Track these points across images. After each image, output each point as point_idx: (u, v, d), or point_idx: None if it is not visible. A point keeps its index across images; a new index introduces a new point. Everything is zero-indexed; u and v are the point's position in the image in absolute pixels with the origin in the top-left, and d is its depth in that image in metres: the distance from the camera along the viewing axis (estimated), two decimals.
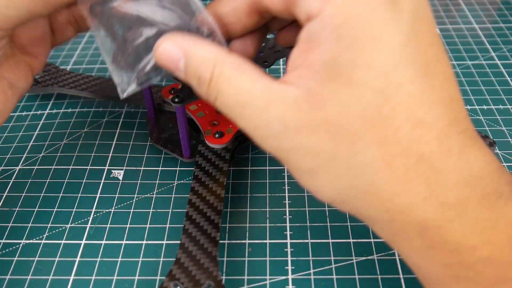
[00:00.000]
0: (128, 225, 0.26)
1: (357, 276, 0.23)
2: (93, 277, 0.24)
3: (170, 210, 0.27)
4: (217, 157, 0.27)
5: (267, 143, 0.18)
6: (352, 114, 0.17)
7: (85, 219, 0.27)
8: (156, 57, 0.19)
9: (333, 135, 0.17)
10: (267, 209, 0.27)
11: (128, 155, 0.30)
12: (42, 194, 0.28)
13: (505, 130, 0.32)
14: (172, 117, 0.31)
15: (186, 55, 0.19)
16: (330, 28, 0.16)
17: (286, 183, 0.28)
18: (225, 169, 0.27)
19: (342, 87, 0.17)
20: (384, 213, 0.17)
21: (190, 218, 0.24)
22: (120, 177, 0.29)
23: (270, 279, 0.23)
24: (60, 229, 0.26)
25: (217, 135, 0.28)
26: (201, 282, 0.21)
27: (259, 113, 0.18)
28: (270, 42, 0.30)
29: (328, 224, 0.26)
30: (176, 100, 0.25)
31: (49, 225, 0.26)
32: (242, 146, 0.30)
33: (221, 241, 0.25)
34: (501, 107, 0.33)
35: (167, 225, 0.26)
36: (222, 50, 0.19)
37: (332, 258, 0.24)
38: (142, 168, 0.29)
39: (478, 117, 0.33)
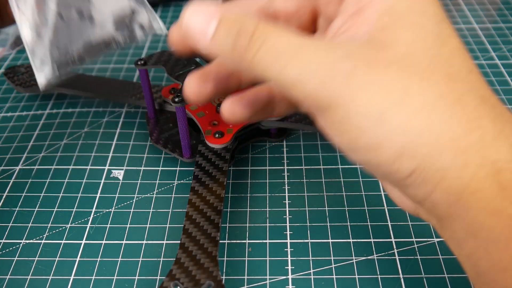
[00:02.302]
0: (128, 225, 0.26)
1: (357, 276, 0.23)
2: (93, 277, 0.24)
3: (170, 210, 0.27)
4: (217, 157, 0.27)
5: (332, 84, 0.17)
6: (419, 52, 0.17)
7: (85, 219, 0.27)
8: (183, 19, 0.19)
9: (405, 71, 0.17)
10: (267, 209, 0.27)
11: (128, 155, 0.30)
12: (42, 194, 0.28)
13: None
14: (172, 117, 0.31)
15: (224, 15, 0.18)
16: None
17: (286, 183, 0.28)
18: (225, 169, 0.27)
19: (405, 29, 0.18)
20: (458, 156, 0.16)
21: (190, 218, 0.24)
22: (120, 177, 0.29)
23: (270, 279, 0.23)
24: (60, 229, 0.26)
25: (217, 135, 0.28)
26: (201, 282, 0.21)
27: (324, 53, 0.17)
28: None
29: (328, 224, 0.26)
30: (176, 100, 0.25)
31: (49, 225, 0.26)
32: (242, 146, 0.30)
33: (221, 241, 0.25)
34: None
35: (167, 225, 0.26)
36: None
37: (332, 258, 0.24)
38: (142, 168, 0.29)
39: None
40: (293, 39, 0.17)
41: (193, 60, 0.28)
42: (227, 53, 0.18)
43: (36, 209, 0.27)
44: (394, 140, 0.17)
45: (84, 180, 0.29)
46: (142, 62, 0.28)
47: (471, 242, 0.17)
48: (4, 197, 0.28)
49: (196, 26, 0.19)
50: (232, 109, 0.22)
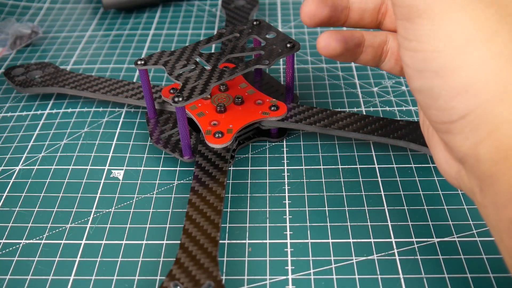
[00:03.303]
0: (128, 225, 0.26)
1: (357, 276, 0.23)
2: (93, 277, 0.24)
3: (170, 210, 0.27)
4: (217, 157, 0.27)
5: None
6: None
7: (85, 219, 0.27)
8: None
9: (501, 14, 0.17)
10: (267, 209, 0.27)
11: (128, 155, 0.30)
12: (42, 194, 0.28)
13: None
14: (172, 117, 0.31)
15: None
16: None
17: (286, 183, 0.28)
18: (225, 169, 0.27)
19: None
20: None
21: (190, 218, 0.24)
22: (120, 177, 0.29)
23: (270, 279, 0.23)
24: (60, 229, 0.26)
25: (217, 135, 0.28)
26: (201, 282, 0.21)
27: None
28: (270, 41, 0.30)
29: (328, 224, 0.26)
30: (176, 100, 0.25)
31: (49, 225, 0.26)
32: (242, 146, 0.30)
33: (221, 241, 0.25)
34: None
35: (167, 225, 0.26)
36: None
37: (332, 258, 0.24)
38: (142, 168, 0.29)
39: None
40: None
41: (193, 59, 0.28)
42: None
43: (36, 209, 0.27)
44: (466, 72, 0.16)
45: (84, 180, 0.29)
46: (142, 62, 0.28)
47: (507, 210, 0.16)
48: (4, 197, 0.28)
49: None
50: (328, 42, 0.24)
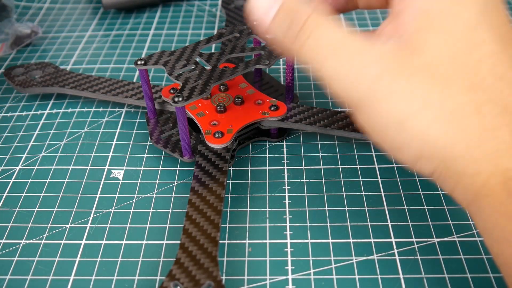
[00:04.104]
0: (128, 225, 0.26)
1: (357, 276, 0.23)
2: (93, 277, 0.24)
3: (170, 210, 0.27)
4: (217, 157, 0.27)
5: (360, 87, 0.18)
6: (446, 59, 0.18)
7: (85, 219, 0.27)
8: (251, 2, 0.21)
9: (428, 79, 0.18)
10: (267, 209, 0.27)
11: (128, 155, 0.30)
12: (42, 194, 0.28)
13: None
14: (172, 117, 0.31)
15: (285, 0, 0.20)
16: None
17: (286, 183, 0.28)
18: (225, 169, 0.27)
19: (437, 34, 0.18)
20: (471, 164, 0.17)
21: (190, 218, 0.24)
22: (120, 177, 0.29)
23: (270, 279, 0.23)
24: (60, 229, 0.26)
25: (217, 135, 0.28)
26: (201, 282, 0.21)
27: (357, 55, 0.18)
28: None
29: (328, 224, 0.26)
30: (176, 100, 0.25)
31: (49, 225, 0.26)
32: (242, 146, 0.30)
33: (221, 241, 0.25)
34: None
35: (167, 225, 0.26)
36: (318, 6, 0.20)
37: (332, 258, 0.24)
38: (142, 168, 0.29)
39: None
40: (336, 36, 0.19)
41: (193, 59, 0.28)
42: (280, 38, 0.20)
43: (36, 209, 0.27)
44: (413, 146, 0.18)
45: (84, 180, 0.29)
46: (142, 62, 0.28)
47: (487, 238, 0.18)
48: (4, 197, 0.28)
49: (261, 7, 0.20)
50: None
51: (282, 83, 0.34)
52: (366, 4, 0.24)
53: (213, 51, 0.38)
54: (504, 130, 0.17)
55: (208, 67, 0.28)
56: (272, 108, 0.30)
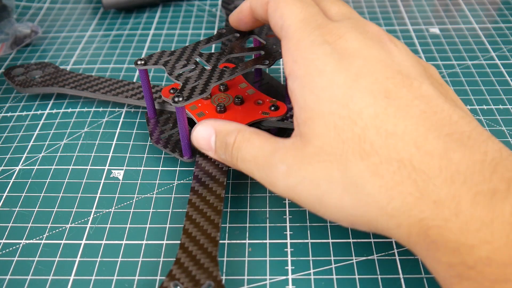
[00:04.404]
0: (128, 225, 0.26)
1: (357, 276, 0.23)
2: (93, 277, 0.24)
3: (170, 210, 0.27)
4: None
5: (279, 185, 0.21)
6: (332, 141, 0.20)
7: (85, 219, 0.27)
8: (193, 138, 0.26)
9: (324, 162, 0.20)
10: (267, 209, 0.27)
11: (128, 155, 0.30)
12: (42, 194, 0.28)
13: (505, 130, 0.32)
14: (172, 117, 0.31)
15: (216, 130, 0.25)
16: (297, 80, 0.21)
17: None
18: (225, 169, 0.27)
19: (317, 121, 0.20)
20: (390, 220, 0.18)
21: (190, 218, 0.24)
22: (120, 177, 0.29)
23: (270, 279, 0.23)
24: (60, 229, 0.26)
25: None
26: (201, 282, 0.21)
27: (268, 158, 0.22)
28: (270, 41, 0.30)
29: (328, 224, 0.26)
30: (176, 100, 0.25)
31: (49, 225, 0.26)
32: None
33: (221, 241, 0.25)
34: (501, 107, 0.33)
35: (167, 225, 0.26)
36: (242, 125, 0.24)
37: (332, 258, 0.24)
38: (142, 168, 0.29)
39: (478, 117, 0.33)
40: (257, 146, 0.23)
41: (193, 59, 0.28)
42: (224, 161, 0.25)
43: (36, 209, 0.27)
44: (339, 219, 0.20)
45: (84, 180, 0.29)
46: (142, 62, 0.28)
47: (433, 275, 0.19)
48: (4, 197, 0.28)
49: (201, 138, 0.25)
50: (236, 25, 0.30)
51: (282, 83, 0.34)
52: None
53: (213, 51, 0.38)
54: (406, 184, 0.18)
55: (208, 67, 0.28)
56: (272, 108, 0.30)
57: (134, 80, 0.37)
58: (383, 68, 0.20)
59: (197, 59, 0.28)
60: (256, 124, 0.30)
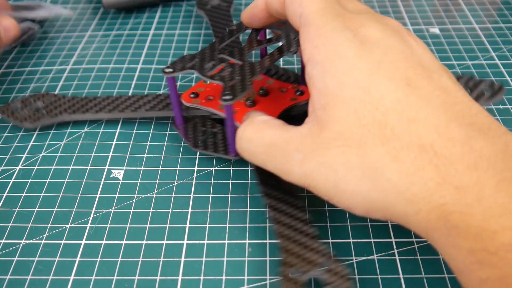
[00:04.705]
0: (128, 225, 0.26)
1: (357, 276, 0.23)
2: (93, 277, 0.24)
3: (170, 210, 0.27)
4: None
5: (295, 173, 0.21)
6: (352, 125, 0.20)
7: (85, 219, 0.27)
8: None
9: (342, 147, 0.20)
10: (267, 209, 0.27)
11: (128, 155, 0.30)
12: (42, 194, 0.28)
13: None
14: (201, 121, 0.31)
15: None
16: (317, 66, 0.21)
17: None
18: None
19: (338, 106, 0.20)
20: (409, 205, 0.18)
21: (273, 207, 0.25)
22: (120, 177, 0.29)
23: (270, 279, 0.23)
24: (60, 229, 0.26)
25: None
26: (316, 262, 0.22)
27: (282, 148, 0.22)
28: (283, 32, 0.30)
29: (328, 224, 0.26)
30: (226, 98, 0.25)
31: (49, 225, 0.26)
32: None
33: (221, 241, 0.25)
34: (501, 107, 0.33)
35: (167, 225, 0.26)
36: (254, 117, 0.25)
37: (332, 258, 0.24)
38: (142, 168, 0.29)
39: None
40: (268, 140, 0.23)
41: (217, 58, 0.28)
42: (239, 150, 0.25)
43: (36, 209, 0.27)
44: (355, 205, 0.20)
45: (84, 180, 0.29)
46: (170, 70, 0.27)
47: (448, 263, 0.19)
48: (4, 197, 0.28)
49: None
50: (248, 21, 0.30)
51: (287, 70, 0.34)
52: None
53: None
54: (427, 169, 0.18)
55: (239, 62, 0.28)
56: (298, 93, 0.30)
57: (134, 80, 0.37)
58: (404, 58, 0.21)
59: (221, 56, 0.28)
60: (286, 112, 0.30)
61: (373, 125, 0.19)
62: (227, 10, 0.41)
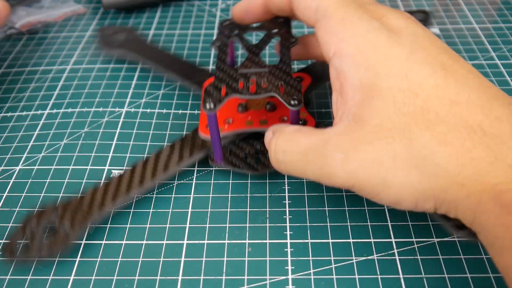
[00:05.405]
0: (128, 225, 0.26)
1: (357, 276, 0.23)
2: (93, 277, 0.24)
3: (170, 210, 0.27)
4: None
5: (337, 174, 0.20)
6: (392, 115, 0.19)
7: None
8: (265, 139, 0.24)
9: (386, 139, 0.19)
10: (267, 209, 0.27)
11: (128, 155, 0.30)
12: (42, 194, 0.28)
13: None
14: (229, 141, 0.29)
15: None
16: (347, 59, 0.21)
17: (286, 183, 0.28)
18: None
19: (375, 98, 0.20)
20: (460, 189, 0.18)
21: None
22: None
23: (270, 279, 0.23)
24: None
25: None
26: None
27: (319, 152, 0.21)
28: (265, 26, 0.29)
29: (328, 224, 0.26)
30: (295, 102, 0.24)
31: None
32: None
33: (220, 241, 0.25)
34: None
35: (167, 225, 0.26)
36: (281, 126, 0.23)
37: (332, 258, 0.24)
38: None
39: None
40: (303, 146, 0.21)
41: (240, 72, 0.26)
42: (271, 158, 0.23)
43: (36, 209, 0.27)
44: (404, 197, 0.19)
45: (84, 180, 0.29)
46: (212, 105, 0.24)
47: (492, 252, 0.18)
48: (4, 197, 0.28)
49: (267, 139, 0.24)
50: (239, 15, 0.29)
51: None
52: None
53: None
54: (478, 149, 0.18)
55: (265, 71, 0.26)
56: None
57: (134, 81, 0.37)
58: (432, 44, 0.21)
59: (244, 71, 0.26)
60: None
61: (415, 112, 0.19)
62: None
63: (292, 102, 0.24)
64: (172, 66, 0.35)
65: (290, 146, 0.22)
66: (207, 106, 0.24)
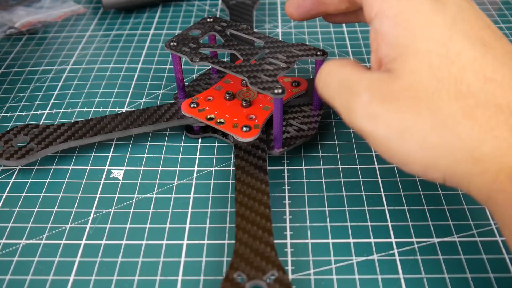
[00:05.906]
0: (128, 225, 0.26)
1: (357, 276, 0.23)
2: (93, 277, 0.24)
3: (170, 210, 0.27)
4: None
5: (358, 112, 0.20)
6: (425, 78, 0.19)
7: (85, 219, 0.27)
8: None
9: (413, 99, 0.19)
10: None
11: (128, 155, 0.30)
12: (42, 194, 0.28)
13: None
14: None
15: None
16: (387, 20, 0.21)
17: (286, 183, 0.28)
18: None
19: (411, 58, 0.20)
20: (476, 164, 0.18)
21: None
22: (120, 177, 0.29)
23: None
24: (60, 229, 0.26)
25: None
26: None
27: (352, 85, 0.21)
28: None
29: (328, 224, 0.26)
30: (279, 91, 0.26)
31: (49, 225, 0.26)
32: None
33: (221, 241, 0.25)
34: None
35: (167, 225, 0.26)
36: (337, 59, 0.23)
37: (332, 258, 0.24)
38: (142, 168, 0.29)
39: None
40: (344, 74, 0.22)
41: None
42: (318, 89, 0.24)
43: (36, 209, 0.27)
44: (416, 158, 0.19)
45: (84, 180, 0.29)
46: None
47: (506, 233, 0.18)
48: (4, 197, 0.28)
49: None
50: (290, 11, 0.28)
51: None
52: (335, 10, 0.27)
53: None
54: (502, 128, 0.18)
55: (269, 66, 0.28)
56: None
57: (134, 80, 0.37)
58: (476, 19, 0.21)
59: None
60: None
61: (448, 80, 0.19)
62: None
63: (277, 91, 0.26)
64: None
65: (335, 70, 0.22)
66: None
